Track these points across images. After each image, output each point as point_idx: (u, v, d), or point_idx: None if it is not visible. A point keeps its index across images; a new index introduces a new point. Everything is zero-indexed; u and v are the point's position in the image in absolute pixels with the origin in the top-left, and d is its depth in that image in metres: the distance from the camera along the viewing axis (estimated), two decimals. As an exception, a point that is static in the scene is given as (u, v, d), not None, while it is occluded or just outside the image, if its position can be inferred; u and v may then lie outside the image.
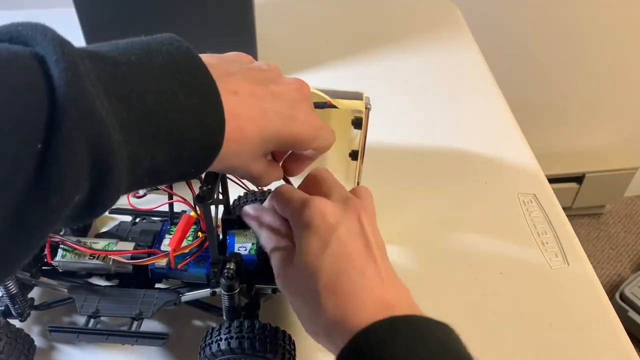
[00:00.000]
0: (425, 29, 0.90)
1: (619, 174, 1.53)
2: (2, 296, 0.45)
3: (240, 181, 0.50)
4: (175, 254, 0.43)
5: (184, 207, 0.46)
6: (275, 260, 0.39)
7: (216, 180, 0.40)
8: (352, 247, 0.36)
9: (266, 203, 0.42)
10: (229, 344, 0.41)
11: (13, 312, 0.46)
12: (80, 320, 0.46)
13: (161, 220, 0.51)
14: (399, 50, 0.86)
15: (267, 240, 0.41)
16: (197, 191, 0.39)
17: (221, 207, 0.47)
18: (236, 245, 0.46)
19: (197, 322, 0.50)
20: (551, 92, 1.40)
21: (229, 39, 0.72)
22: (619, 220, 1.65)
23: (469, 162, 0.67)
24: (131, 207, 0.49)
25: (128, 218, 0.53)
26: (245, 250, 0.45)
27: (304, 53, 0.85)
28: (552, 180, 1.44)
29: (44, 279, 0.46)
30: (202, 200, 0.38)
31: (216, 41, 0.72)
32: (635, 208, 1.68)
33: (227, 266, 0.42)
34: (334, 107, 0.47)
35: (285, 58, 0.84)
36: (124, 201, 0.47)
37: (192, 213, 0.45)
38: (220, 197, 0.46)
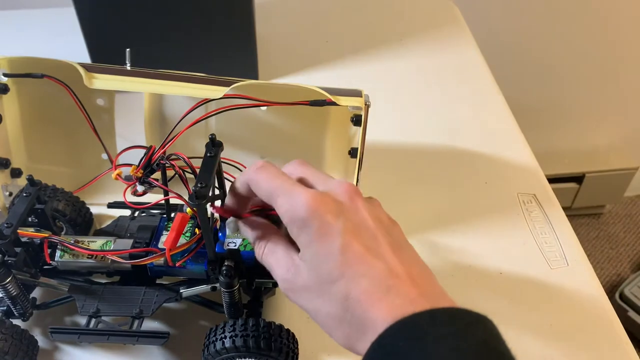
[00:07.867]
0: (425, 28, 0.90)
1: (619, 174, 1.53)
2: (3, 297, 0.44)
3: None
4: (172, 253, 0.42)
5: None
6: (273, 262, 0.37)
7: (211, 177, 0.40)
8: (359, 244, 0.33)
9: (239, 185, 0.38)
10: (233, 342, 0.41)
11: (15, 313, 0.46)
12: (83, 320, 0.45)
13: (160, 214, 0.51)
14: (399, 50, 0.86)
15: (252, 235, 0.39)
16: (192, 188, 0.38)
17: (218, 203, 0.46)
18: (226, 241, 0.44)
19: (199, 321, 0.50)
20: (551, 92, 1.40)
21: (229, 40, 0.72)
22: (619, 220, 1.65)
23: (469, 162, 0.67)
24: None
25: (127, 212, 0.53)
26: (235, 245, 0.44)
27: (304, 53, 0.85)
28: (552, 180, 1.44)
29: (44, 279, 0.46)
30: (197, 199, 0.38)
31: (215, 42, 0.72)
32: (635, 208, 1.68)
33: (226, 263, 0.41)
34: (334, 104, 0.46)
35: (285, 58, 0.84)
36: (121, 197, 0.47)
37: (188, 210, 0.43)
38: (217, 192, 0.46)
